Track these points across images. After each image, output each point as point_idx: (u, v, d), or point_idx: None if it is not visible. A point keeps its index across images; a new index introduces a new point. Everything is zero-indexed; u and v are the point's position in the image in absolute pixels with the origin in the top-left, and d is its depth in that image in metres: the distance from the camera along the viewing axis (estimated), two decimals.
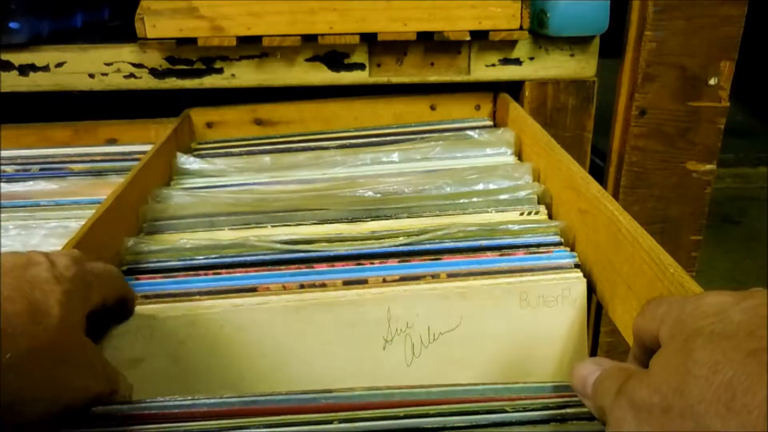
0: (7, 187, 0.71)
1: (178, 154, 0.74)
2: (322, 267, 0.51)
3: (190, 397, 0.32)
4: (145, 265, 0.53)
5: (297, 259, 0.53)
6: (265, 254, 0.54)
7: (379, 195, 0.63)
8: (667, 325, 0.27)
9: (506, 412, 0.31)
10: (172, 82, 0.80)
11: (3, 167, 0.75)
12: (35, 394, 0.30)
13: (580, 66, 0.82)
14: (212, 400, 0.32)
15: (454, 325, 0.47)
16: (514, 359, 0.48)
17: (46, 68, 0.79)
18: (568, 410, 0.32)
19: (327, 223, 0.60)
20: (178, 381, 0.45)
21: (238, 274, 0.51)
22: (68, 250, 0.41)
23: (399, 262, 0.52)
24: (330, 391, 0.32)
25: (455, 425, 0.31)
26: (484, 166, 0.69)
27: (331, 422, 0.31)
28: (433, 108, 0.86)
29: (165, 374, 0.44)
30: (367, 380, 0.45)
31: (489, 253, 0.53)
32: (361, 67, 0.80)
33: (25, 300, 0.32)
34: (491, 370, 0.48)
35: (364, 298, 0.47)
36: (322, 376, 0.46)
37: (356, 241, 0.56)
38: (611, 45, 0.84)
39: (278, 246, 0.54)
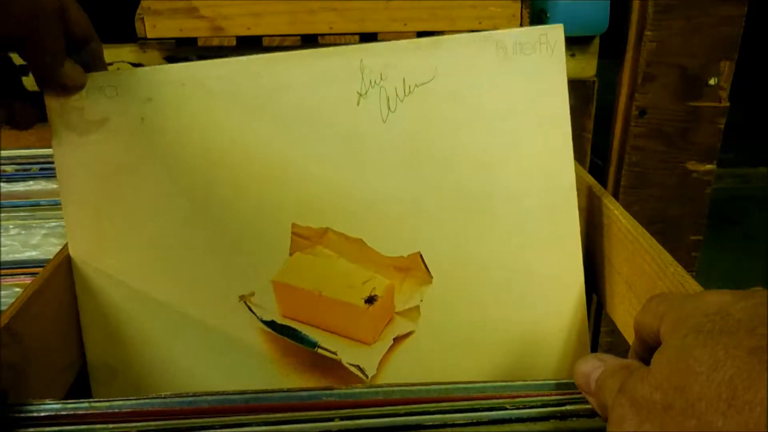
0: (7, 187, 0.71)
1: None
2: None
3: (191, 394, 0.32)
4: None
5: None
6: None
7: None
8: (668, 323, 0.27)
9: (506, 409, 0.31)
10: None
11: (3, 167, 0.75)
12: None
13: (580, 66, 0.82)
14: (213, 398, 0.32)
15: (430, 77, 0.45)
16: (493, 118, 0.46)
17: None
18: (568, 407, 0.32)
19: None
20: (145, 140, 0.44)
21: None
22: None
23: None
24: (331, 389, 0.32)
25: (455, 422, 0.31)
26: None
27: (332, 419, 0.31)
28: None
29: (131, 131, 0.44)
30: (341, 142, 0.45)
31: None
32: None
33: None
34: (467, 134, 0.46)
35: (336, 50, 0.45)
36: (291, 145, 0.45)
37: None
38: (611, 45, 0.84)
39: None
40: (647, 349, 0.30)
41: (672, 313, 0.27)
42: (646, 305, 0.30)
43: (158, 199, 0.44)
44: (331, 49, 0.45)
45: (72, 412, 0.33)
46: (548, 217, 0.46)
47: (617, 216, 0.45)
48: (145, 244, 0.44)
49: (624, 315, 0.45)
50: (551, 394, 0.32)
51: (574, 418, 0.31)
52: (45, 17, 0.38)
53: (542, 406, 0.32)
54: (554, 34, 0.46)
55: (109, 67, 0.78)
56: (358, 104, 0.45)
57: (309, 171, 0.45)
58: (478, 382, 0.32)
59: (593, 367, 0.30)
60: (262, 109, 0.45)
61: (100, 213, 0.44)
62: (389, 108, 0.45)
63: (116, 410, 0.32)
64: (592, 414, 0.31)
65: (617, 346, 0.95)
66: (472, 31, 0.75)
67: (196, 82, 0.45)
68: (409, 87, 0.45)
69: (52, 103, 0.43)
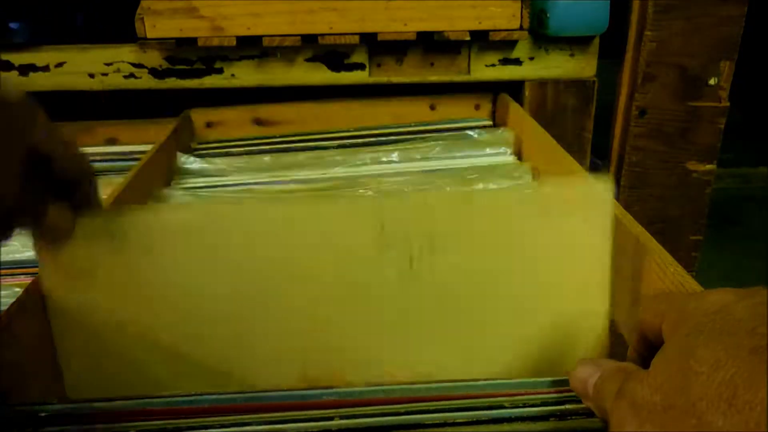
0: None
1: (179, 154, 0.74)
2: None
3: (192, 394, 0.32)
4: None
5: None
6: None
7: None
8: (669, 322, 0.27)
9: (505, 407, 0.31)
10: (172, 82, 0.80)
11: None
12: None
13: (580, 66, 0.82)
14: (214, 396, 0.32)
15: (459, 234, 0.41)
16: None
17: (46, 68, 0.79)
18: (567, 406, 0.32)
19: None
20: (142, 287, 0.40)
21: None
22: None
23: None
24: (331, 387, 0.32)
25: (455, 421, 0.31)
26: (484, 166, 0.69)
27: (332, 418, 0.31)
28: (432, 108, 0.86)
29: (124, 282, 0.40)
30: (358, 297, 0.41)
31: None
32: (361, 67, 0.80)
33: None
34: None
35: (357, 207, 0.42)
36: (302, 296, 0.41)
37: None
38: (611, 45, 0.84)
39: None
40: (648, 347, 0.30)
41: (673, 312, 0.27)
42: (647, 303, 0.30)
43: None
44: (351, 203, 0.42)
45: (72, 412, 0.33)
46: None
47: (617, 216, 0.45)
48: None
49: (624, 315, 0.45)
50: (550, 392, 0.32)
51: (573, 417, 0.31)
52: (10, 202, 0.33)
53: (541, 404, 0.32)
54: (602, 192, 0.41)
55: (109, 68, 0.78)
56: (377, 256, 0.41)
57: (318, 323, 0.41)
58: (478, 380, 0.33)
59: (590, 373, 0.30)
60: (275, 261, 0.41)
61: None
62: (411, 265, 0.41)
63: (116, 410, 0.32)
64: (591, 413, 0.31)
65: (617, 346, 0.95)
66: (472, 31, 0.76)
67: (204, 231, 0.41)
68: (433, 246, 0.41)
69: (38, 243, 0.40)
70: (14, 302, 0.38)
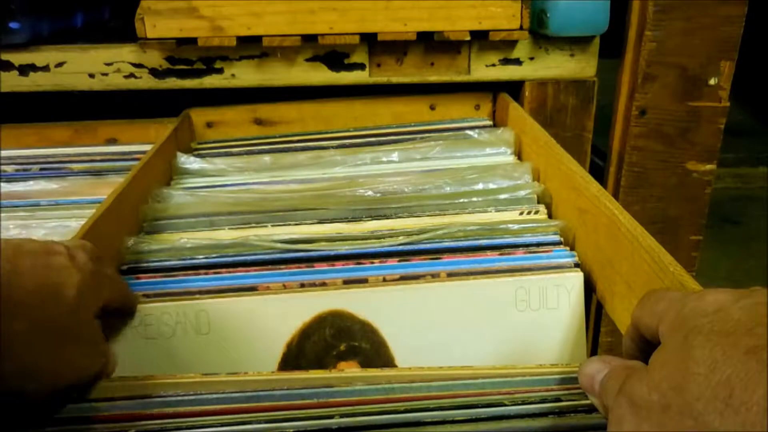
0: (7, 187, 0.71)
1: (178, 153, 0.74)
2: (323, 266, 0.52)
3: (192, 393, 0.32)
4: (145, 265, 0.53)
5: (297, 259, 0.53)
6: (265, 254, 0.54)
7: (378, 195, 0.64)
8: (666, 322, 0.28)
9: (505, 405, 0.31)
10: (172, 82, 0.80)
11: (3, 167, 0.75)
12: (40, 368, 0.31)
13: (580, 66, 0.82)
14: (214, 396, 0.32)
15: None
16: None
17: (46, 68, 0.79)
18: (567, 403, 0.32)
19: (327, 222, 0.60)
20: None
21: (238, 273, 0.51)
22: (83, 242, 0.41)
23: (399, 261, 0.52)
24: (331, 386, 0.32)
25: (455, 419, 0.31)
26: (484, 166, 0.69)
27: (332, 417, 0.31)
28: (432, 108, 0.86)
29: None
30: None
31: (489, 253, 0.53)
32: (361, 67, 0.80)
33: (43, 280, 0.33)
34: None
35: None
36: None
37: (356, 240, 0.56)
38: (611, 45, 0.84)
39: (278, 245, 0.54)
40: (643, 342, 0.30)
41: (671, 312, 0.28)
42: (644, 301, 0.30)
43: None
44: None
45: (72, 412, 0.33)
46: None
47: (617, 216, 0.45)
48: None
49: (624, 315, 0.45)
50: (549, 390, 0.32)
51: (572, 414, 0.31)
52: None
53: (540, 402, 0.32)
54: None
55: (109, 68, 0.78)
56: None
57: None
58: (477, 378, 0.33)
59: (597, 369, 0.30)
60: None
61: None
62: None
63: (116, 410, 0.32)
64: (590, 410, 0.31)
65: (617, 346, 0.95)
66: (472, 31, 0.76)
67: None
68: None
69: None
70: None
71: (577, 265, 0.50)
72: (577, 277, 0.48)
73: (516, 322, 0.48)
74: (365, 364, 0.47)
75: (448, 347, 0.48)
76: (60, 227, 0.63)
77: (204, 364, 0.46)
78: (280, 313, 0.47)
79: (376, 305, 0.47)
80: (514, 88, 0.84)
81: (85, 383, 0.34)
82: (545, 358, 0.48)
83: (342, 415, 0.31)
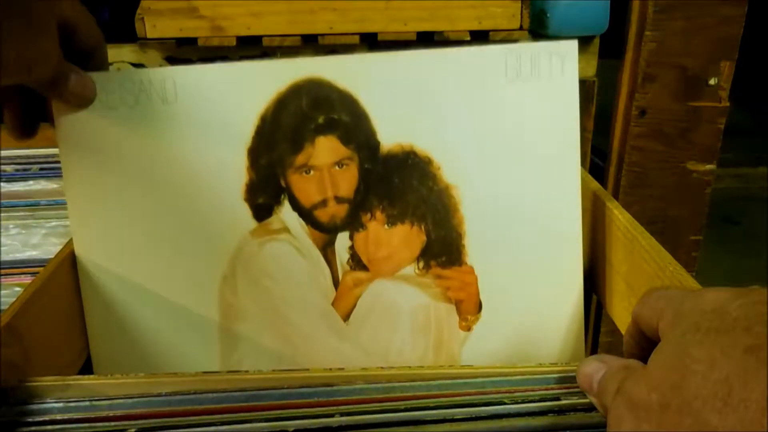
0: (7, 187, 0.71)
1: None
2: None
3: (192, 392, 0.32)
4: None
5: None
6: None
7: None
8: (666, 320, 0.28)
9: (504, 404, 0.31)
10: None
11: (3, 167, 0.75)
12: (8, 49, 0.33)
13: (580, 66, 0.82)
14: (214, 395, 0.32)
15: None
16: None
17: None
18: (566, 402, 0.32)
19: None
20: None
21: None
22: None
23: None
24: (331, 385, 0.32)
25: (455, 417, 0.31)
26: None
27: (332, 415, 0.31)
28: None
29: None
30: None
31: None
32: None
33: None
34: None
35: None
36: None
37: None
38: (611, 45, 0.84)
39: None
40: (643, 339, 0.30)
41: (670, 309, 0.28)
42: (645, 298, 0.30)
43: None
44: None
45: (72, 411, 0.33)
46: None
47: (617, 216, 0.45)
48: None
49: (624, 315, 0.45)
50: (549, 389, 0.32)
51: (572, 413, 0.31)
52: (43, 61, 0.37)
53: (540, 400, 0.32)
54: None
55: (110, 68, 0.78)
56: None
57: None
58: (477, 376, 0.33)
59: (595, 369, 0.30)
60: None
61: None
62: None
63: (117, 410, 0.32)
64: (589, 408, 0.31)
65: (617, 346, 0.95)
66: (473, 31, 0.76)
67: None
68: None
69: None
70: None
71: None
72: (571, 44, 0.45)
73: (505, 94, 0.44)
74: (345, 139, 0.44)
75: (434, 122, 0.44)
76: (60, 227, 0.63)
77: (168, 138, 0.43)
78: (253, 81, 0.43)
79: (356, 72, 0.44)
80: None
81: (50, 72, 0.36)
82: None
83: (342, 414, 0.31)
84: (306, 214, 0.45)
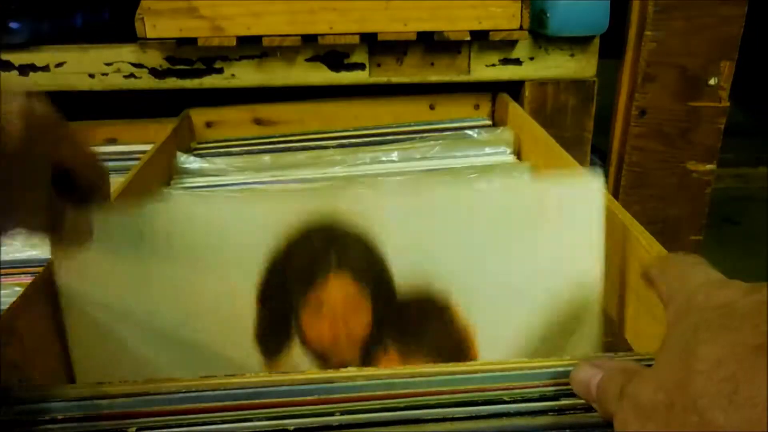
0: None
1: (178, 153, 0.74)
2: None
3: (193, 390, 0.32)
4: None
5: None
6: None
7: None
8: (674, 307, 0.27)
9: (504, 402, 0.31)
10: (172, 82, 0.80)
11: None
12: None
13: (580, 66, 0.82)
14: (215, 393, 0.32)
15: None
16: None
17: (46, 68, 0.79)
18: (566, 401, 0.32)
19: None
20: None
21: None
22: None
23: None
24: (331, 382, 0.32)
25: (455, 416, 0.31)
26: (484, 166, 0.69)
27: (333, 413, 0.31)
28: (432, 108, 0.86)
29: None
30: None
31: None
32: (361, 67, 0.80)
33: None
34: None
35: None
36: None
37: None
38: (611, 45, 0.84)
39: None
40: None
41: (682, 296, 0.27)
42: (667, 266, 0.30)
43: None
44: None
45: (72, 411, 0.33)
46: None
47: (617, 216, 0.45)
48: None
49: (623, 314, 0.45)
50: (549, 387, 0.32)
51: (572, 412, 0.31)
52: (31, 212, 0.34)
53: (540, 399, 0.32)
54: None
55: (109, 68, 0.78)
56: None
57: None
58: (477, 373, 0.33)
59: (591, 374, 0.30)
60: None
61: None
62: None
63: (117, 408, 0.32)
64: (589, 408, 0.31)
65: (617, 346, 0.95)
66: (472, 31, 0.76)
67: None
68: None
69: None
70: (20, 296, 0.38)
71: None
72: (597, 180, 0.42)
73: (530, 233, 0.43)
74: (357, 277, 0.43)
75: (452, 261, 0.43)
76: None
77: (170, 272, 0.42)
78: (263, 218, 0.42)
79: (371, 209, 0.42)
80: (514, 88, 0.84)
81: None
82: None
83: (342, 412, 0.31)
84: (318, 352, 0.43)
